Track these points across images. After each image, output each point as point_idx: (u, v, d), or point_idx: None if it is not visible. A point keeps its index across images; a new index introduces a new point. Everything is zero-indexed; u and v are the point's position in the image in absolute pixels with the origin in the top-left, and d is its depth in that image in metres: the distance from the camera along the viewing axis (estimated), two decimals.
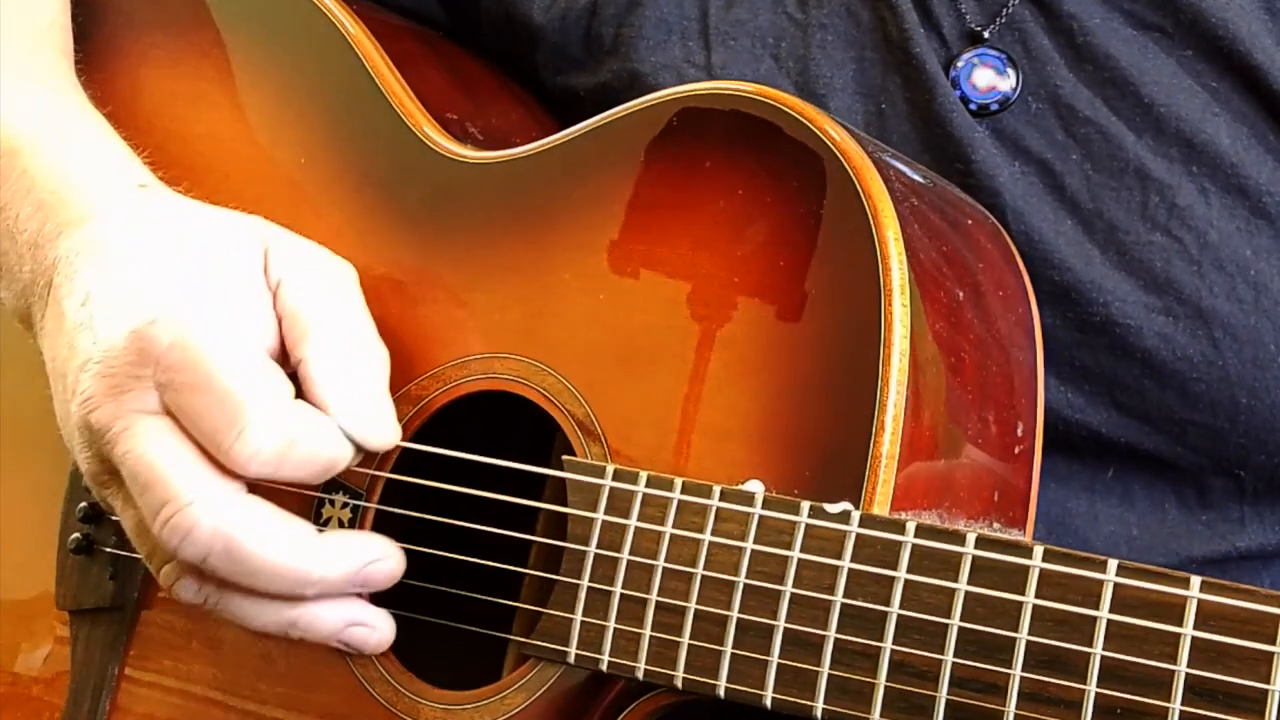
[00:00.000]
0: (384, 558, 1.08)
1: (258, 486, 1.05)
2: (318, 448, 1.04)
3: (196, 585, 1.07)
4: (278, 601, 1.06)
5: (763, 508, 0.98)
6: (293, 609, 1.07)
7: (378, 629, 1.09)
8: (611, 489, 1.03)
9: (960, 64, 1.18)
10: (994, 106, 1.18)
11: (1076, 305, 1.14)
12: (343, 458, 1.06)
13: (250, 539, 1.03)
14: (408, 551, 1.12)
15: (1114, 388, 1.15)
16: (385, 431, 1.08)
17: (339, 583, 1.06)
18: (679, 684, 0.99)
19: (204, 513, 1.02)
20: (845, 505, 0.96)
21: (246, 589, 1.05)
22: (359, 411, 1.06)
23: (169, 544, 1.03)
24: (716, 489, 0.99)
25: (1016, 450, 1.07)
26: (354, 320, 1.11)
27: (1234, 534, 1.16)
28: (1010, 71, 1.17)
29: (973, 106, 1.18)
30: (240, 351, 1.05)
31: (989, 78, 1.18)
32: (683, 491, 1.00)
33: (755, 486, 0.99)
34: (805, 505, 0.97)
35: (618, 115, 1.12)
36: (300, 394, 1.06)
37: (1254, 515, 1.16)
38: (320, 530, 1.14)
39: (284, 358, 1.08)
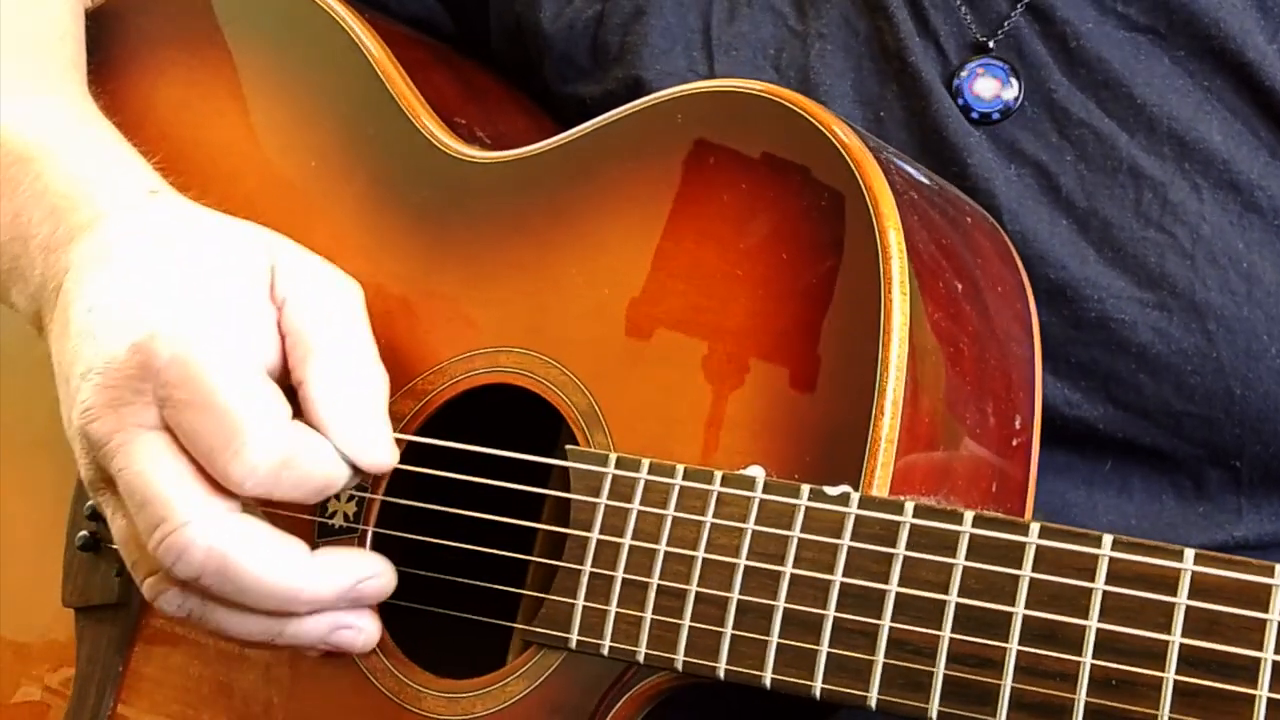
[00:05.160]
0: (376, 575, 1.10)
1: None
2: (313, 467, 1.05)
3: (180, 599, 1.09)
4: (265, 615, 1.08)
5: (763, 491, 0.99)
6: (280, 622, 1.08)
7: (364, 630, 1.11)
8: (614, 476, 1.04)
9: (964, 73, 1.21)
10: (995, 115, 1.20)
11: (1071, 303, 1.16)
12: (338, 478, 1.07)
13: (244, 559, 1.04)
14: (412, 543, 1.14)
15: (1110, 383, 1.16)
16: (381, 453, 1.09)
17: (330, 600, 1.08)
18: (679, 666, 1.00)
19: (198, 533, 1.03)
20: (845, 487, 0.97)
21: (235, 604, 1.07)
22: (356, 433, 1.07)
23: (163, 562, 1.05)
24: (718, 474, 1.00)
25: (1014, 443, 1.08)
26: (356, 342, 1.12)
27: (1231, 524, 1.17)
28: (1013, 81, 1.20)
29: (975, 115, 1.20)
30: (239, 370, 1.06)
31: (993, 87, 1.20)
32: (684, 477, 1.02)
33: (756, 471, 1.00)
34: (805, 488, 0.98)
35: (623, 114, 1.14)
36: (299, 414, 1.07)
37: (1251, 506, 1.18)
38: (320, 531, 1.17)
39: (285, 376, 1.09)
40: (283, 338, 1.10)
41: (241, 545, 1.04)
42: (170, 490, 1.04)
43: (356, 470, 1.08)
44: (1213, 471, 1.17)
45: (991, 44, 1.21)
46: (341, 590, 1.08)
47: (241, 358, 1.06)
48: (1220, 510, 1.18)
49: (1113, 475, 1.18)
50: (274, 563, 1.05)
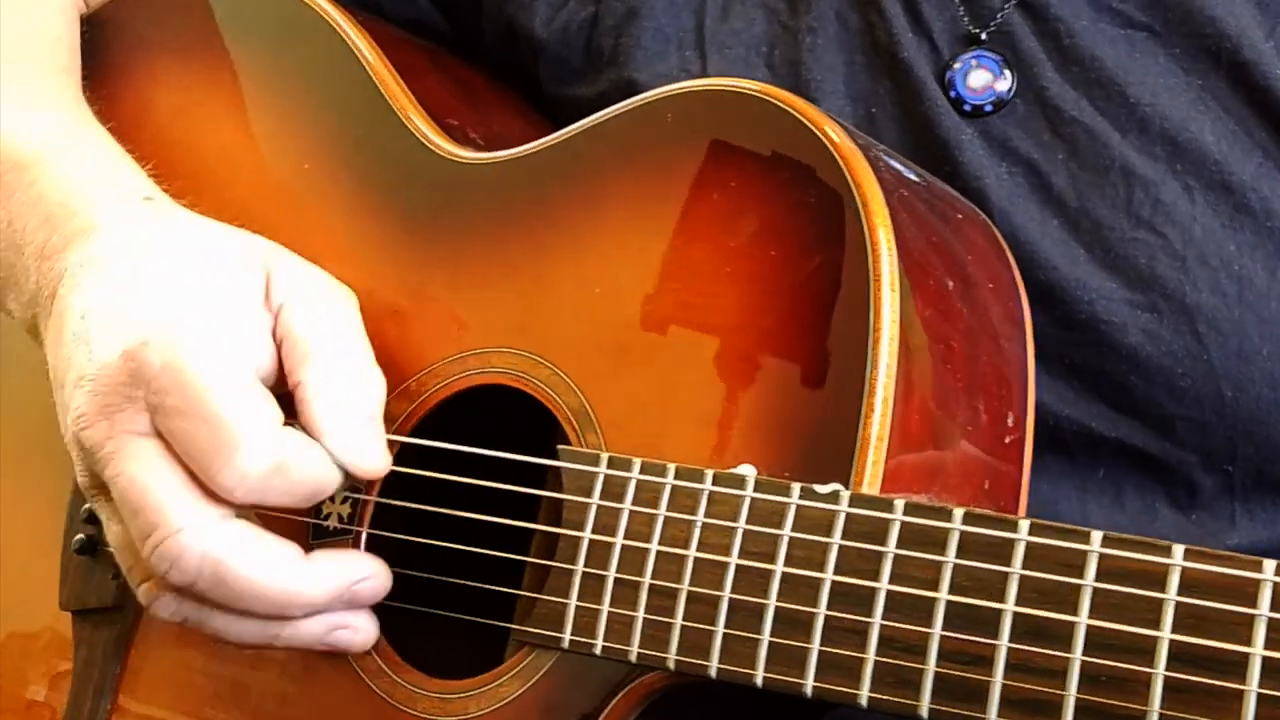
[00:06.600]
0: (371, 576, 1.10)
1: None
2: (304, 474, 1.06)
3: (175, 604, 1.09)
4: (261, 619, 1.08)
5: (754, 490, 0.99)
6: (276, 625, 1.08)
7: (361, 630, 1.11)
8: (606, 476, 1.04)
9: (957, 65, 1.20)
10: (988, 108, 1.19)
11: (1062, 304, 1.16)
12: (330, 483, 1.07)
13: (238, 564, 1.05)
14: (406, 545, 1.13)
15: (1101, 384, 1.16)
16: (374, 458, 1.09)
17: (326, 603, 1.08)
18: (671, 665, 0.99)
19: (192, 539, 1.04)
20: (835, 486, 0.97)
21: (230, 609, 1.07)
22: (349, 438, 1.08)
23: (158, 569, 1.05)
24: (709, 473, 1.00)
25: (1007, 440, 1.08)
26: (352, 347, 1.12)
27: (1224, 532, 1.17)
28: (1006, 73, 1.19)
29: (967, 107, 1.20)
30: (231, 376, 1.06)
31: (985, 79, 1.20)
32: (676, 476, 1.01)
33: (747, 470, 1.00)
34: (796, 487, 0.97)
35: (613, 114, 1.14)
36: (295, 418, 1.08)
37: (1244, 513, 1.17)
38: (314, 533, 1.17)
39: (280, 383, 1.09)
40: (278, 344, 1.10)
41: (235, 551, 1.05)
42: (163, 497, 1.04)
43: (349, 474, 1.08)
44: (1206, 478, 1.16)
45: (984, 36, 1.21)
46: (336, 592, 1.08)
47: (234, 364, 1.07)
48: (1214, 518, 1.17)
49: (1106, 483, 1.17)
50: (268, 567, 1.05)
